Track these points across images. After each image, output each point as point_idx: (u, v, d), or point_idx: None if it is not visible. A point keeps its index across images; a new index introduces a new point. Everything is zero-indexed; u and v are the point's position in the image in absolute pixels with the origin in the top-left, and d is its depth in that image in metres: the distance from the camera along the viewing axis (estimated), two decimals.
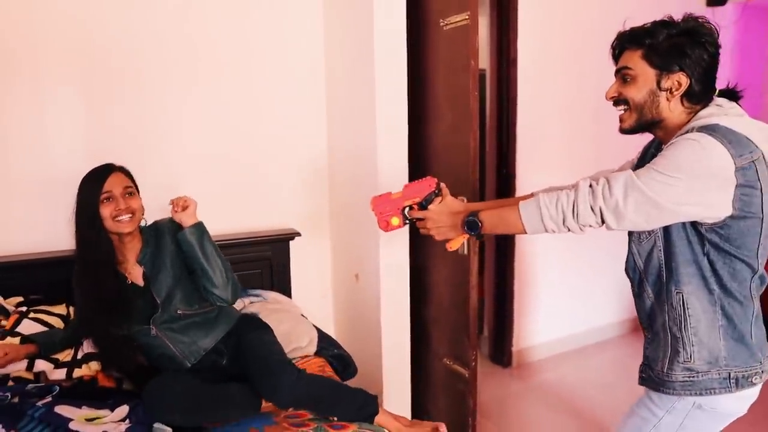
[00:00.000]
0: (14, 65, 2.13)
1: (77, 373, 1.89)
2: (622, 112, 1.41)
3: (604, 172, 1.65)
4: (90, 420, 1.62)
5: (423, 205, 1.57)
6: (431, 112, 2.33)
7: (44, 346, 1.88)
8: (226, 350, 1.95)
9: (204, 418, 1.71)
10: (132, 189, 1.86)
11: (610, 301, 3.87)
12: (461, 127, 2.10)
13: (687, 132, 1.28)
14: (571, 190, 1.33)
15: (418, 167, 2.37)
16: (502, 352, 3.51)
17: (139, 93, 2.35)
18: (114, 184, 1.81)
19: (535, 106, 3.30)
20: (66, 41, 2.20)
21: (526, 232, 1.39)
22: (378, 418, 1.81)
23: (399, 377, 2.40)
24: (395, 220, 1.59)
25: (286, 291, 2.63)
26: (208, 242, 1.88)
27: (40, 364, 1.86)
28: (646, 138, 1.50)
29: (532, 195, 1.68)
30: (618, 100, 1.41)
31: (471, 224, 1.47)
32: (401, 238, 2.33)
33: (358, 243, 2.52)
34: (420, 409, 2.55)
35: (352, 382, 2.27)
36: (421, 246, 2.43)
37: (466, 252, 2.12)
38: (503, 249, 3.39)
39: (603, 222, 1.29)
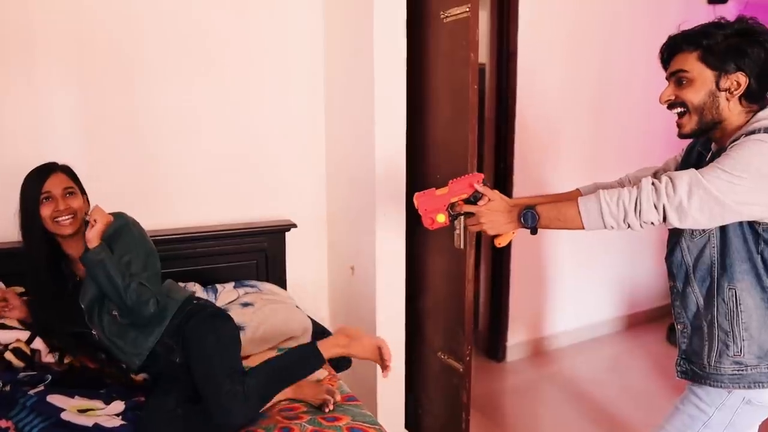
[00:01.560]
0: (11, 56, 2.11)
1: (67, 358, 1.89)
2: (678, 116, 1.41)
3: (647, 169, 1.66)
4: (82, 411, 1.61)
5: (471, 201, 1.53)
6: (430, 105, 2.31)
7: (33, 312, 1.87)
8: (176, 346, 1.80)
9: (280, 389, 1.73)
10: (73, 189, 1.80)
11: (605, 298, 3.88)
12: (460, 120, 2.09)
13: (752, 133, 1.28)
14: (632, 187, 1.33)
15: (416, 160, 2.36)
16: (496, 346, 3.52)
17: (139, 86, 2.32)
18: (54, 185, 1.76)
19: (534, 100, 3.29)
20: (65, 37, 2.17)
21: (583, 228, 1.38)
22: (325, 357, 1.81)
23: (394, 370, 2.37)
24: (441, 217, 1.55)
25: (281, 282, 2.62)
26: (101, 275, 1.69)
27: (38, 343, 1.84)
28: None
29: (578, 191, 1.69)
30: (674, 103, 1.40)
31: (529, 217, 1.44)
32: (398, 230, 2.32)
33: (354, 235, 2.51)
34: (414, 402, 2.56)
35: (346, 375, 2.28)
36: (417, 239, 2.42)
37: (462, 245, 2.12)
38: None
39: (665, 219, 1.29)
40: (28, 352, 1.83)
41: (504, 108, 3.28)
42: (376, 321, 2.34)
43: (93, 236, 1.68)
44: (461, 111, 2.07)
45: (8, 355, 1.78)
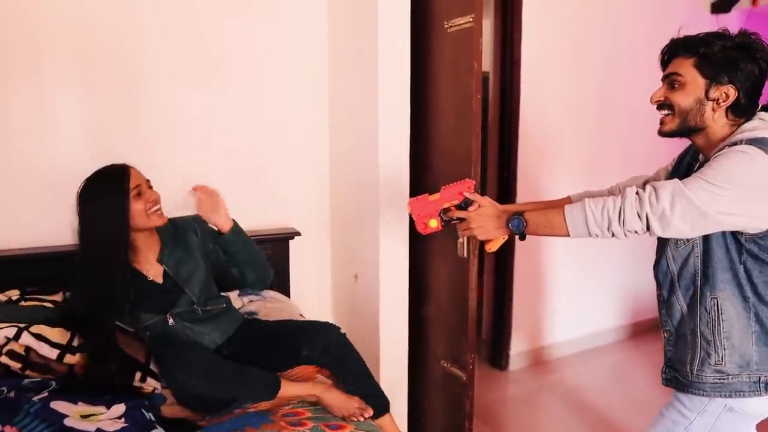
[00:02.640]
0: (15, 59, 2.12)
1: (69, 359, 1.82)
2: (664, 115, 1.44)
3: (637, 178, 1.69)
4: (85, 417, 1.62)
5: (462, 207, 1.57)
6: (434, 113, 2.32)
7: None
8: (229, 348, 1.97)
9: (220, 390, 1.70)
10: (150, 182, 1.88)
11: (608, 307, 3.87)
12: (464, 129, 2.10)
13: (735, 144, 1.30)
14: (618, 196, 1.35)
15: (420, 168, 2.37)
16: (499, 355, 3.51)
17: (142, 89, 2.34)
18: (139, 178, 1.82)
19: (538, 109, 3.30)
20: (69, 39, 2.19)
21: (569, 235, 1.41)
22: (386, 419, 1.91)
23: (396, 379, 2.40)
24: (433, 222, 1.60)
25: (285, 290, 2.63)
26: (248, 240, 2.00)
27: (26, 338, 1.76)
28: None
29: (568, 198, 1.72)
30: (663, 105, 1.44)
31: (517, 223, 1.48)
32: (401, 238, 2.32)
33: (357, 243, 2.52)
34: (417, 411, 2.55)
35: None
36: (420, 247, 2.43)
37: (465, 254, 2.12)
38: (503, 252, 3.38)
39: (648, 228, 1.31)
40: (22, 351, 1.78)
41: (507, 116, 3.29)
42: (379, 329, 2.34)
43: (225, 214, 1.94)
44: (465, 119, 2.08)
45: (3, 359, 1.75)
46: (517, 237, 1.53)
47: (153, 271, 1.89)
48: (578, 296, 3.69)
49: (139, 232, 1.83)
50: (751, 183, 1.25)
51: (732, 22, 4.03)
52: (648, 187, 1.32)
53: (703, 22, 3.77)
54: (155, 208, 1.82)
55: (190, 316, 1.91)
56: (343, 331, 1.99)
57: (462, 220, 1.57)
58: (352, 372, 1.92)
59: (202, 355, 1.74)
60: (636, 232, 1.33)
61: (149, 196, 1.81)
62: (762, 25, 4.25)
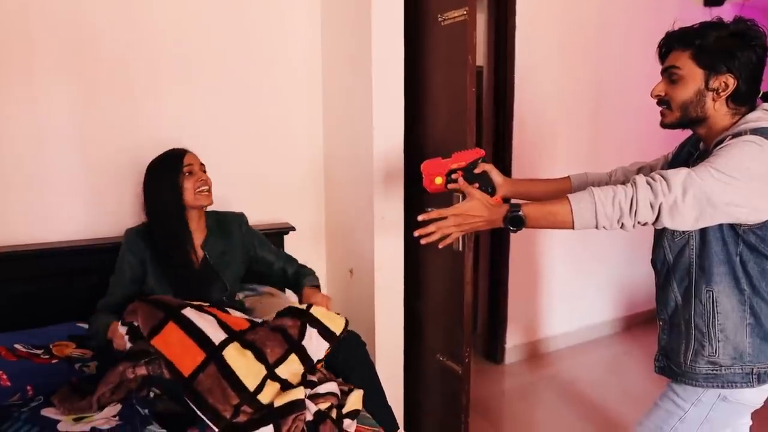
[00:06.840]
0: (7, 57, 2.10)
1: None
2: (663, 108, 1.43)
3: (636, 164, 1.69)
4: (78, 419, 1.60)
5: (468, 169, 1.67)
6: (428, 107, 2.32)
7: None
8: None
9: None
10: (204, 166, 1.99)
11: (604, 299, 3.89)
12: (458, 123, 2.09)
13: (740, 134, 1.30)
14: (628, 185, 1.29)
15: (414, 162, 2.36)
16: (495, 348, 3.52)
17: (136, 89, 2.32)
18: (193, 160, 1.95)
19: (532, 102, 3.30)
20: (63, 39, 2.17)
21: (573, 228, 1.33)
22: None
23: (392, 373, 2.40)
24: (438, 180, 1.70)
25: None
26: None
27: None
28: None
29: (568, 178, 1.70)
30: (662, 100, 1.43)
31: (515, 220, 1.37)
32: (396, 232, 2.32)
33: (352, 238, 2.51)
34: (413, 405, 2.55)
35: None
36: (416, 241, 2.42)
37: (460, 248, 2.12)
38: (498, 246, 3.39)
39: (657, 219, 1.27)
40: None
41: (502, 110, 3.29)
42: (375, 323, 2.33)
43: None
44: (459, 113, 2.08)
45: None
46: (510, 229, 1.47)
47: (194, 254, 1.96)
48: (573, 289, 3.70)
49: (189, 211, 1.93)
50: (758, 173, 1.24)
51: (725, 15, 4.03)
52: (657, 176, 1.28)
53: (696, 15, 3.77)
54: (203, 187, 1.92)
55: (216, 306, 1.90)
56: (363, 340, 2.00)
57: (462, 193, 1.57)
58: (372, 389, 1.89)
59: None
60: (646, 223, 1.29)
61: (199, 176, 1.92)
62: (755, 18, 4.27)
